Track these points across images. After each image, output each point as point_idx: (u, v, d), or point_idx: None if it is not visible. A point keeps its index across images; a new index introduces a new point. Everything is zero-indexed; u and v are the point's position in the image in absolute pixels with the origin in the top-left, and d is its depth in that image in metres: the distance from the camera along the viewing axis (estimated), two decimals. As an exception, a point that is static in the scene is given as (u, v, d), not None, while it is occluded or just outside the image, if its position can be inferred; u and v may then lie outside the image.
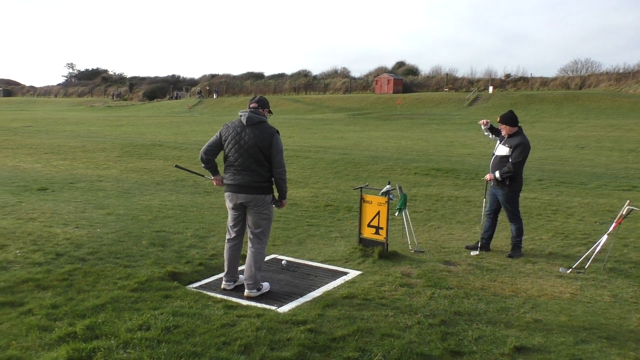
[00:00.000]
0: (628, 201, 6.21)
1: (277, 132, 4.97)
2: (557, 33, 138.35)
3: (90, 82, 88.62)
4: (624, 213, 5.96)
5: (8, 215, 7.64)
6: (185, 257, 6.04)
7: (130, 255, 6.01)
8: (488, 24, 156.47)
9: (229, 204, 5.07)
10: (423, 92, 60.81)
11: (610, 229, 6.06)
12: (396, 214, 6.94)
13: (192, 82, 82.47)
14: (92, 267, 5.49)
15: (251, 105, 5.06)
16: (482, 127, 6.97)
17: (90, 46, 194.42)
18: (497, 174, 6.47)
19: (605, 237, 6.03)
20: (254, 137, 4.85)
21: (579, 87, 56.08)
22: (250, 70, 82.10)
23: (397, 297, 5.00)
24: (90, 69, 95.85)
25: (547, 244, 7.10)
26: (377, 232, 6.39)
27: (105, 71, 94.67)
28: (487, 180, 6.73)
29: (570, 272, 5.86)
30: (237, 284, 5.25)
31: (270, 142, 4.85)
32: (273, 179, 4.98)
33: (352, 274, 5.71)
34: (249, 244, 5.07)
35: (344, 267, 5.94)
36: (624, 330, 4.33)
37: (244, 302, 4.83)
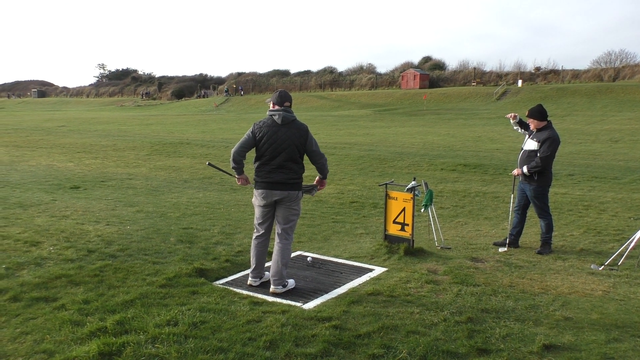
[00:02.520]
0: (663, 196, 6.01)
1: (306, 128, 5.07)
2: (587, 23, 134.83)
3: (121, 82, 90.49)
4: (659, 208, 5.77)
5: (42, 213, 7.88)
6: (212, 254, 6.12)
7: (158, 251, 6.12)
8: (515, 16, 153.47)
9: (260, 202, 5.11)
10: (450, 87, 60.02)
11: (645, 224, 5.88)
12: (422, 210, 6.88)
13: (219, 81, 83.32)
14: (122, 263, 5.62)
15: (285, 104, 5.07)
16: (511, 120, 6.85)
17: (120, 47, 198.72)
18: (525, 168, 6.35)
19: (639, 233, 5.85)
20: (290, 135, 4.94)
21: (613, 79, 54.43)
22: (276, 68, 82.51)
23: (423, 294, 4.96)
24: (121, 69, 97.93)
25: (579, 240, 6.94)
26: (402, 229, 6.35)
27: (135, 71, 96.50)
28: (515, 175, 6.62)
29: (603, 269, 5.71)
30: (263, 280, 5.29)
31: (306, 138, 5.00)
32: (316, 167, 5.17)
33: (378, 270, 5.69)
34: (277, 240, 5.13)
35: (369, 264, 5.92)
36: (658, 329, 4.20)
37: (270, 299, 4.87)
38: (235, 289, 5.08)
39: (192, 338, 3.91)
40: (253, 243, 5.26)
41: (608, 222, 7.88)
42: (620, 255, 5.87)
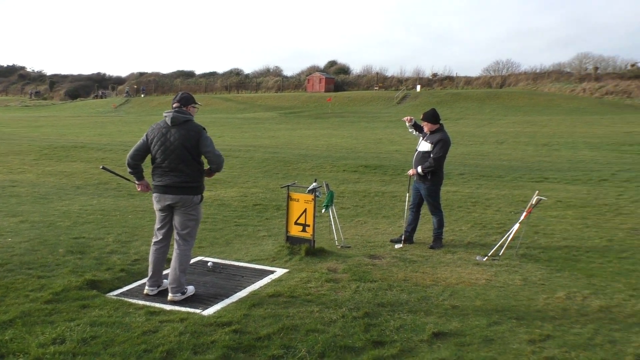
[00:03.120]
0: (537, 192, 6.65)
1: (204, 129, 4.92)
2: (480, 34, 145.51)
3: (6, 80, 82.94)
4: (533, 203, 6.37)
5: None
6: (105, 264, 5.81)
7: (45, 264, 5.69)
8: (416, 24, 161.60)
9: (156, 206, 4.95)
10: (354, 90, 61.89)
11: (522, 217, 6.46)
12: (322, 210, 7.03)
13: (119, 81, 79.34)
14: (1, 279, 5.15)
15: (174, 105, 4.95)
16: (407, 123, 7.19)
17: (5, 40, 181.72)
18: (420, 169, 6.72)
19: (517, 226, 6.42)
20: (179, 137, 4.77)
21: (500, 86, 59.25)
22: (181, 69, 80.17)
23: (323, 292, 5.07)
24: (6, 66, 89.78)
25: (467, 234, 7.46)
26: (304, 230, 6.45)
27: (23, 68, 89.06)
28: (410, 175, 6.97)
29: (486, 259, 6.20)
30: (160, 289, 5.11)
31: (198, 139, 4.80)
32: (209, 168, 4.98)
33: (279, 272, 5.73)
34: (175, 246, 4.97)
35: (271, 266, 5.94)
36: (531, 310, 4.64)
37: (168, 307, 4.72)
38: (130, 300, 4.86)
39: (81, 355, 3.69)
40: (151, 249, 5.08)
41: (492, 217, 8.56)
42: (501, 246, 6.40)
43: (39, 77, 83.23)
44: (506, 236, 6.49)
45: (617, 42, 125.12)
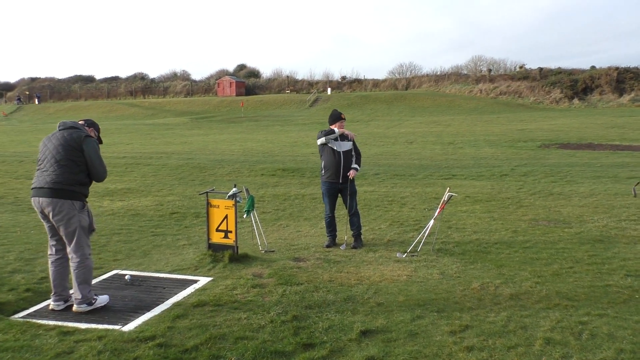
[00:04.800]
0: (448, 188, 7.01)
1: (90, 136, 4.74)
2: (383, 37, 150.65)
3: None
4: (445, 199, 6.71)
5: None
6: (7, 284, 5.32)
7: None
8: (321, 25, 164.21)
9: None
10: (266, 94, 61.78)
11: (436, 214, 6.78)
12: (244, 216, 6.93)
13: (8, 87, 73.11)
14: None
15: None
16: (334, 139, 6.92)
17: None
18: (358, 167, 6.96)
19: (432, 222, 6.73)
20: (60, 137, 4.63)
21: (405, 88, 61.89)
22: (79, 73, 75.44)
23: (250, 298, 5.00)
24: None
25: (386, 232, 7.70)
26: (226, 236, 6.31)
27: None
28: (352, 177, 6.93)
29: (406, 256, 6.43)
30: (68, 303, 4.80)
31: (80, 144, 4.61)
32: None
33: (203, 281, 5.56)
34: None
35: (194, 275, 5.75)
36: (450, 302, 4.88)
37: (83, 326, 4.41)
38: (39, 321, 4.49)
39: (-15, 385, 3.34)
40: (49, 263, 4.82)
41: (408, 214, 8.90)
42: (419, 242, 6.68)
43: None
44: (422, 232, 6.78)
45: (507, 44, 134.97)
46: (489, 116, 38.90)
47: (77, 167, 4.60)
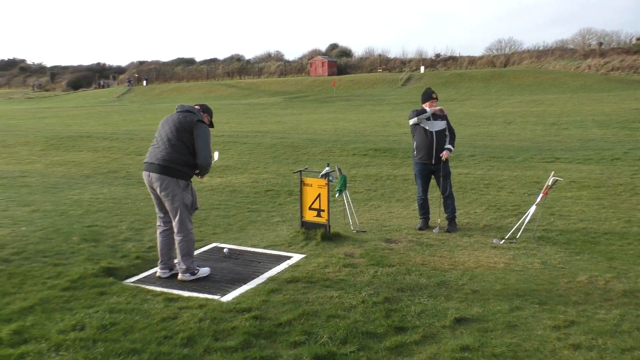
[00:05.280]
0: (553, 172, 6.54)
1: (203, 121, 4.96)
2: (480, 12, 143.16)
3: (7, 73, 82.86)
4: (550, 184, 6.27)
5: None
6: (120, 252, 5.79)
7: (60, 252, 5.68)
8: (414, 3, 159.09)
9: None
10: (357, 73, 61.39)
11: (538, 199, 6.37)
12: (336, 195, 6.96)
13: (120, 70, 79.07)
14: (18, 267, 5.14)
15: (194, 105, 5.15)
16: (424, 117, 6.74)
17: (4, 34, 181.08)
18: (452, 147, 6.72)
19: (533, 208, 6.33)
20: (176, 119, 4.92)
21: (504, 65, 58.55)
22: (181, 56, 79.70)
23: (341, 277, 5.03)
24: (6, 59, 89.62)
25: (481, 217, 7.38)
26: (318, 215, 6.39)
27: (23, 61, 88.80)
28: (445, 158, 6.70)
29: (503, 242, 6.13)
30: (173, 272, 5.13)
31: (192, 128, 4.86)
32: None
33: (296, 257, 5.68)
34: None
35: (287, 252, 5.90)
36: (553, 295, 4.57)
37: (186, 294, 4.69)
38: (148, 287, 4.84)
39: (102, 342, 3.67)
40: (157, 235, 5.19)
41: (506, 199, 8.47)
42: (518, 229, 6.32)
43: (40, 69, 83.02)
44: (523, 218, 6.41)
45: (620, 15, 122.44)
46: (599, 94, 35.76)
47: (186, 148, 4.85)
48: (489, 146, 14.87)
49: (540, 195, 6.37)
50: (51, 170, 12.00)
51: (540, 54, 59.19)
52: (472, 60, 61.83)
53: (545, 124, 20.28)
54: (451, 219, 6.79)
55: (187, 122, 4.86)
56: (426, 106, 6.73)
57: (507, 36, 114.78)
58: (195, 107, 5.12)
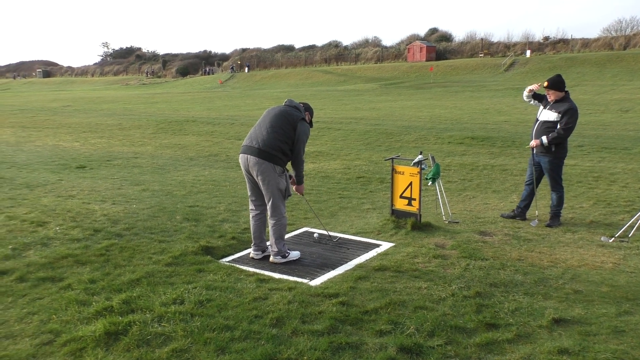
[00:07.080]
0: (676, 166, 5.87)
1: (304, 119, 5.15)
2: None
3: (125, 61, 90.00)
4: (671, 179, 5.65)
5: (49, 193, 7.88)
6: (218, 232, 6.10)
7: (164, 230, 6.11)
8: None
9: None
10: (457, 58, 59.14)
11: (657, 195, 5.76)
12: (429, 184, 6.80)
13: (224, 57, 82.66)
14: (128, 242, 5.61)
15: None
16: (526, 93, 6.58)
17: (123, 24, 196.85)
18: (545, 139, 6.22)
19: (651, 205, 5.75)
20: (283, 110, 5.12)
21: (624, 48, 53.28)
22: (281, 43, 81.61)
23: (431, 268, 4.92)
24: (125, 48, 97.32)
25: (588, 212, 6.84)
26: (409, 204, 6.28)
27: (139, 49, 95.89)
28: (533, 147, 6.42)
29: (613, 241, 5.63)
30: (265, 254, 5.32)
31: (295, 123, 5.04)
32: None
33: (385, 246, 5.64)
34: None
35: (377, 239, 5.87)
36: (670, 301, 4.14)
37: (277, 276, 4.85)
38: (241, 267, 5.07)
39: (198, 316, 3.90)
40: (250, 219, 5.40)
41: (618, 194, 7.76)
42: (631, 227, 5.78)
43: (153, 57, 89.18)
44: (637, 216, 5.84)
45: None
46: None
47: (286, 139, 5.04)
48: (600, 136, 13.70)
49: (660, 191, 5.76)
50: (160, 152, 12.92)
51: (668, 34, 53.11)
52: (585, 43, 56.98)
53: (670, 112, 18.25)
54: (553, 214, 6.36)
55: (292, 116, 5.07)
56: (549, 94, 6.35)
57: (630, 15, 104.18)
58: (302, 107, 5.31)
